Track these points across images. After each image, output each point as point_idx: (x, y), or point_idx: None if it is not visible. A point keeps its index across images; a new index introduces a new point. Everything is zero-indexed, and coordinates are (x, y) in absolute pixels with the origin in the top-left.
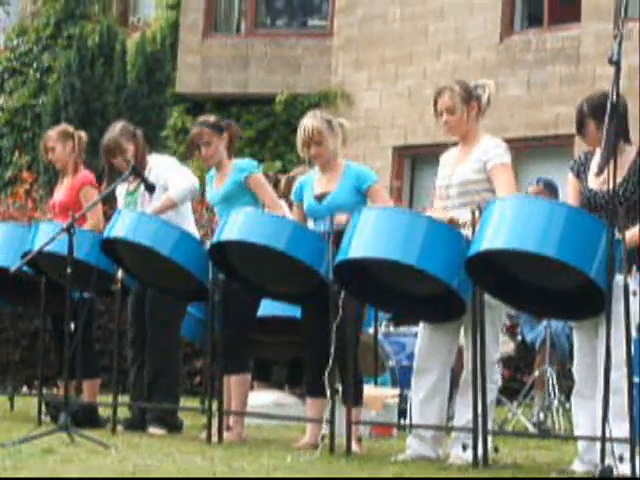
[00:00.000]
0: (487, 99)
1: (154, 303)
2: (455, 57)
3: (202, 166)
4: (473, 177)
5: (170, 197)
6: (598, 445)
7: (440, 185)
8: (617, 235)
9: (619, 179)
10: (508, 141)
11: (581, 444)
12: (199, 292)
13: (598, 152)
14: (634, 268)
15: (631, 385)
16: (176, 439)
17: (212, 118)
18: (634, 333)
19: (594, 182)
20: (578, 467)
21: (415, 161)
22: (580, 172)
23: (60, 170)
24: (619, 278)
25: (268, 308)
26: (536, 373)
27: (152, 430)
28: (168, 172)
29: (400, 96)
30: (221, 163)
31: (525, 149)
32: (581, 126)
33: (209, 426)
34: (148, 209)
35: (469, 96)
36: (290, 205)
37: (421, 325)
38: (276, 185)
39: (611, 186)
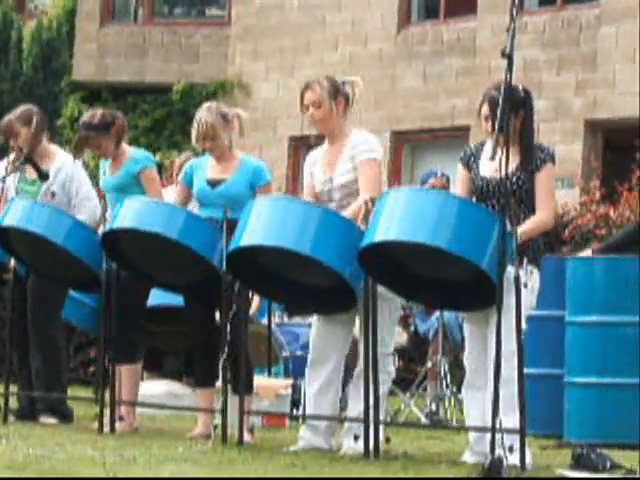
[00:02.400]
0: (355, 95)
1: (38, 291)
2: (352, 48)
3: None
4: (351, 177)
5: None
6: (488, 436)
7: (321, 190)
8: (508, 227)
9: (513, 167)
10: (404, 133)
11: (472, 435)
12: (92, 281)
13: (489, 142)
14: (524, 260)
15: (521, 376)
16: (68, 429)
17: (97, 117)
18: (524, 325)
19: (486, 170)
20: (469, 458)
21: (311, 151)
22: (470, 162)
23: None
24: (510, 270)
25: (160, 298)
26: (429, 364)
27: (43, 420)
28: (79, 189)
29: (297, 86)
30: (114, 154)
31: (421, 141)
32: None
33: (101, 416)
34: None
35: (336, 91)
36: None
37: (315, 316)
38: None
39: (504, 175)
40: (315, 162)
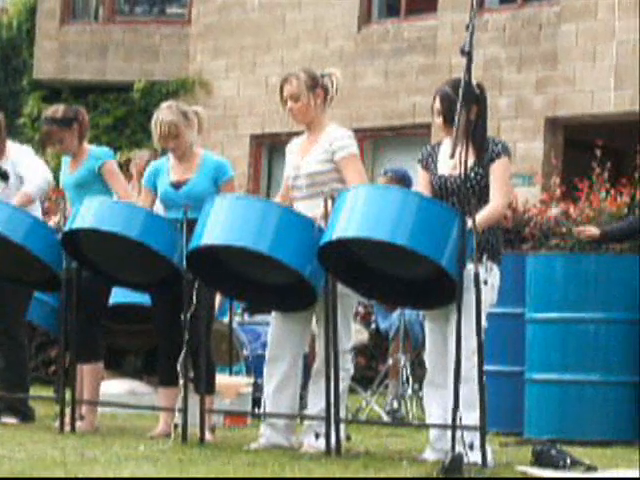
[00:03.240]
0: (334, 88)
1: (1, 292)
2: (313, 46)
3: (58, 153)
4: (320, 168)
5: (27, 193)
6: (449, 433)
7: (288, 176)
8: (468, 224)
9: (470, 163)
10: (365, 130)
11: (433, 432)
12: (52, 281)
13: (446, 142)
14: (484, 257)
15: (482, 374)
16: (29, 428)
17: (60, 112)
18: (484, 322)
19: (445, 168)
20: (429, 455)
21: (272, 149)
22: (429, 163)
23: None
24: (470, 267)
25: (121, 296)
26: (390, 362)
27: (4, 419)
28: (24, 165)
29: (258, 84)
30: (76, 151)
31: (382, 138)
32: (449, 113)
33: (62, 415)
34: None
35: (315, 84)
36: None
37: (273, 314)
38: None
39: (463, 172)
40: (292, 151)
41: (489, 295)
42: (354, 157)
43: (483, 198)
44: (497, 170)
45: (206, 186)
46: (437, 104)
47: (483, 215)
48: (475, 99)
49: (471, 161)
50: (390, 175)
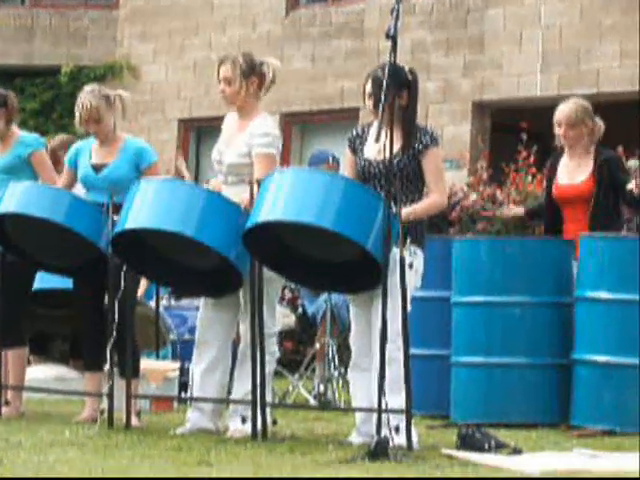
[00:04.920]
0: (271, 77)
1: None
2: (241, 30)
3: None
4: (240, 161)
5: None
6: (375, 417)
7: (214, 158)
8: (393, 209)
9: (396, 150)
10: (293, 114)
11: (358, 416)
12: None
13: (376, 125)
14: (408, 241)
15: (407, 357)
16: None
17: None
18: (409, 306)
19: (371, 152)
20: (355, 439)
21: (200, 133)
22: (356, 145)
23: None
24: (395, 251)
25: (47, 281)
26: (317, 346)
27: None
28: None
29: (186, 69)
30: (3, 134)
31: (310, 122)
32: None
33: None
34: None
35: (251, 70)
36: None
37: (202, 298)
38: None
39: (387, 156)
40: (226, 127)
41: (413, 279)
42: (267, 157)
43: (405, 185)
44: (430, 163)
45: (126, 171)
46: (368, 87)
47: (419, 207)
48: (407, 84)
49: (397, 147)
50: (332, 162)
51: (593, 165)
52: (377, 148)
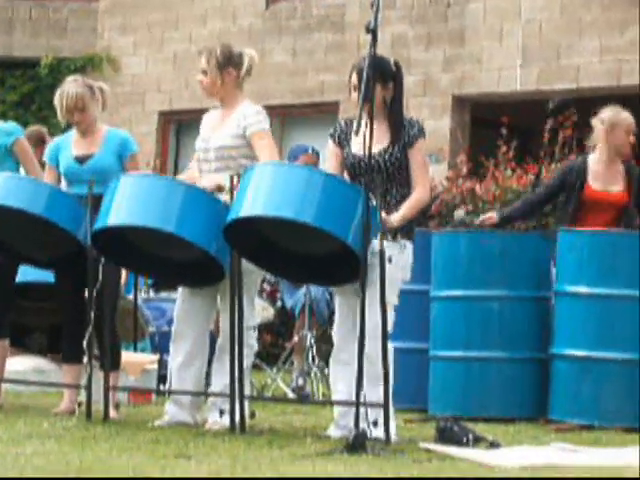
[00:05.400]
0: (247, 68)
1: None
2: (221, 24)
3: None
4: (231, 142)
5: None
6: (354, 410)
7: (199, 148)
8: (373, 202)
9: (385, 144)
10: (273, 108)
11: (337, 409)
12: None
13: (365, 118)
14: (398, 235)
15: (386, 351)
16: None
17: None
18: (396, 300)
19: (357, 146)
20: (334, 432)
21: (180, 126)
22: (342, 139)
23: None
24: (375, 244)
25: (27, 274)
26: (295, 339)
27: None
28: None
29: (166, 61)
30: None
31: (290, 116)
32: (367, 89)
33: None
34: None
35: (227, 62)
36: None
37: (180, 290)
38: None
39: (367, 151)
40: (206, 123)
41: (399, 273)
42: (265, 133)
43: (396, 179)
44: (417, 156)
45: (111, 161)
46: (354, 79)
47: (406, 210)
48: (392, 76)
49: (386, 141)
50: (312, 153)
51: (627, 178)
52: (360, 141)
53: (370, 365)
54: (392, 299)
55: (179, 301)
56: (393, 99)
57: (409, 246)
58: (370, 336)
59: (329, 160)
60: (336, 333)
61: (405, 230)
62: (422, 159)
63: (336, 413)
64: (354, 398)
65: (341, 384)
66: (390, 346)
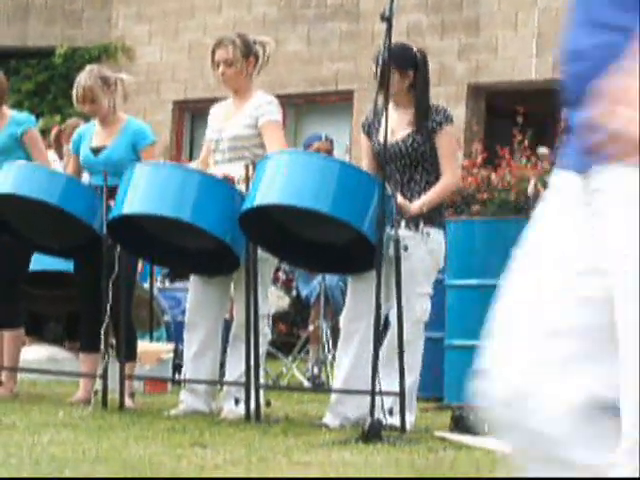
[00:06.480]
0: (265, 56)
1: None
2: (236, 12)
3: None
4: (244, 132)
5: None
6: (351, 397)
7: (211, 139)
8: (389, 190)
9: (409, 130)
10: (288, 97)
11: (333, 396)
12: None
13: (391, 106)
14: (421, 223)
15: (401, 340)
16: None
17: None
18: (430, 289)
19: (381, 135)
20: (330, 420)
21: (195, 115)
22: (371, 130)
23: None
24: (391, 233)
25: (43, 262)
26: (310, 328)
27: None
28: None
29: (181, 50)
30: None
31: (305, 105)
32: (382, 77)
33: None
34: None
35: (248, 51)
36: (60, 157)
37: (192, 278)
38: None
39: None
40: (215, 114)
41: (427, 260)
42: (276, 124)
43: (421, 165)
44: (444, 142)
45: (123, 152)
46: (374, 68)
47: (435, 195)
48: (412, 64)
49: (410, 129)
50: (325, 140)
51: None
52: (390, 130)
53: (406, 354)
54: (426, 289)
55: (191, 291)
56: (415, 86)
57: (435, 234)
58: (412, 325)
59: (363, 156)
60: (343, 319)
61: (429, 218)
62: (449, 145)
63: (332, 399)
64: (351, 384)
65: (341, 370)
66: (422, 335)
